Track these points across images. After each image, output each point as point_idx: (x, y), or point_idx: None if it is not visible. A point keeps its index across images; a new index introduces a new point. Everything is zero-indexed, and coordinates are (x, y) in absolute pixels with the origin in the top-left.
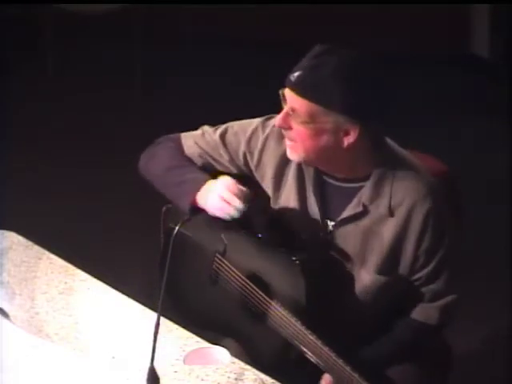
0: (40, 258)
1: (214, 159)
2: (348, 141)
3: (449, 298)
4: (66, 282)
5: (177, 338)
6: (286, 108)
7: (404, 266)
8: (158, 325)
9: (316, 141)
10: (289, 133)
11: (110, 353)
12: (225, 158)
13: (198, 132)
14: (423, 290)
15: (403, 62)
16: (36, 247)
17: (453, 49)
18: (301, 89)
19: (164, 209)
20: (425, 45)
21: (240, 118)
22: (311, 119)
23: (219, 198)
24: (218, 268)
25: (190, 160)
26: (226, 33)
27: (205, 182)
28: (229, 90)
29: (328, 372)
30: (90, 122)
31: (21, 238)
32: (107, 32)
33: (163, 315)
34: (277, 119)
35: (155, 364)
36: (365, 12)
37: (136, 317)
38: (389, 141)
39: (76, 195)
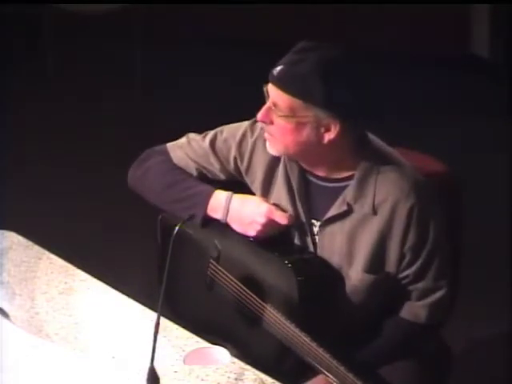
0: (40, 258)
1: (204, 167)
2: (329, 137)
3: (436, 296)
4: (66, 282)
5: (177, 338)
6: (268, 103)
7: (391, 264)
8: (157, 325)
9: (296, 135)
10: (269, 128)
11: (110, 353)
12: (215, 167)
13: (184, 141)
14: (411, 288)
15: (403, 62)
16: (36, 247)
17: (453, 49)
18: (282, 83)
19: (160, 217)
20: (425, 45)
21: (240, 119)
22: (292, 113)
23: (259, 221)
24: (212, 274)
25: (187, 172)
26: (226, 33)
27: (213, 193)
28: (229, 89)
29: (325, 373)
30: (90, 122)
31: (21, 238)
32: (107, 32)
33: (163, 315)
34: (258, 114)
35: (155, 364)
36: (365, 12)
37: (136, 317)
38: (373, 138)
39: (76, 195)
